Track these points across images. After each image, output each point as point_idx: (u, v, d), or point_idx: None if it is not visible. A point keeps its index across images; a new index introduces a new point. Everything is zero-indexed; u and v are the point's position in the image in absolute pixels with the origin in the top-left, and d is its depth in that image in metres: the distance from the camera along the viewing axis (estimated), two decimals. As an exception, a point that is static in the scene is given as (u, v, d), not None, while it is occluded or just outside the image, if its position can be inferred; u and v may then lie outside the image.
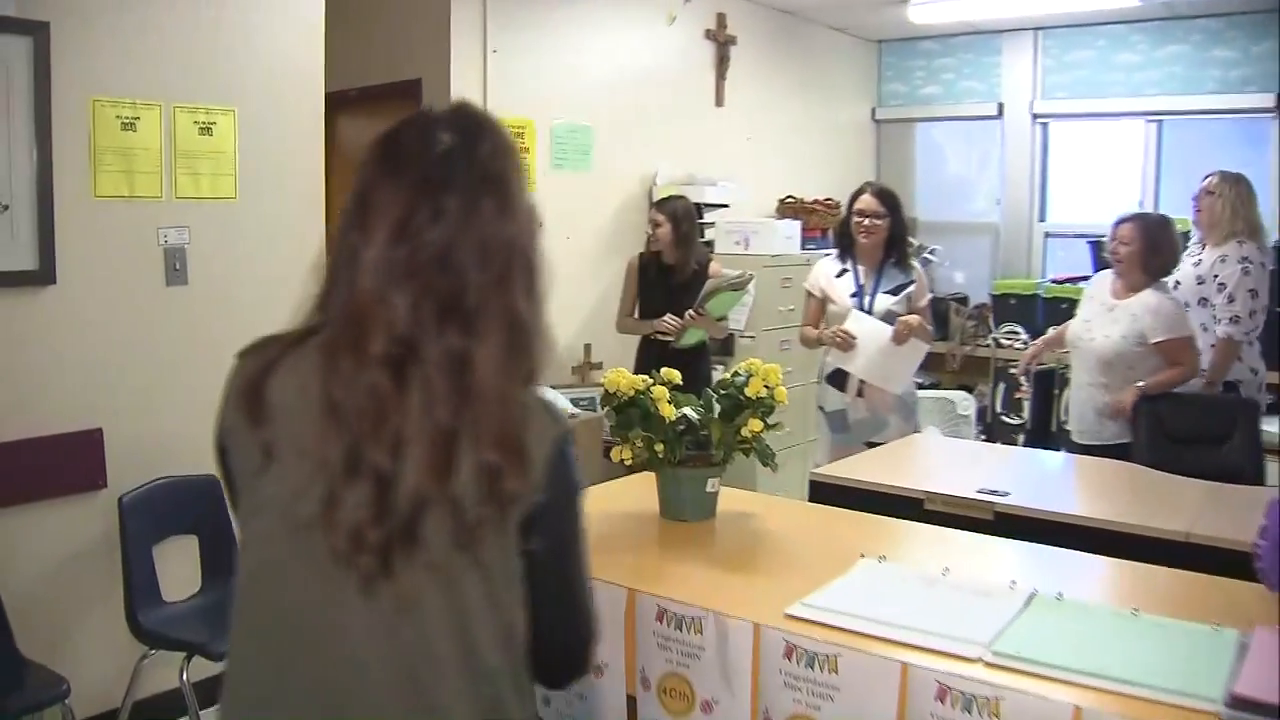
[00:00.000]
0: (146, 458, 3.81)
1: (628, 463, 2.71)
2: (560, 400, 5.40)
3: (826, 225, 7.30)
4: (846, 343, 4.63)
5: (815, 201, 7.29)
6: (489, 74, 5.47)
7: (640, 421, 2.63)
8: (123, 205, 3.75)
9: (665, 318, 5.22)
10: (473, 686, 1.36)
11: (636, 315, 5.50)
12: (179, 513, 3.80)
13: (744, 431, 2.65)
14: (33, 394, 3.59)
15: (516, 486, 1.33)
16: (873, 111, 8.68)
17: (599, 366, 6.13)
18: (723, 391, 2.70)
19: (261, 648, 1.41)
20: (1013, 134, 8.09)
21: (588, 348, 6.11)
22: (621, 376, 2.66)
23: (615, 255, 6.20)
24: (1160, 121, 7.62)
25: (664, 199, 5.52)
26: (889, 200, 4.75)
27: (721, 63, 6.95)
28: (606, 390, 2.68)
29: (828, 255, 4.99)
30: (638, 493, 2.90)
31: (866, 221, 4.67)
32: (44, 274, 3.57)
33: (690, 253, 5.37)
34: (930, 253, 8.00)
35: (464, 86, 5.38)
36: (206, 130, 3.94)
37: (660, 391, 2.63)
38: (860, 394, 4.70)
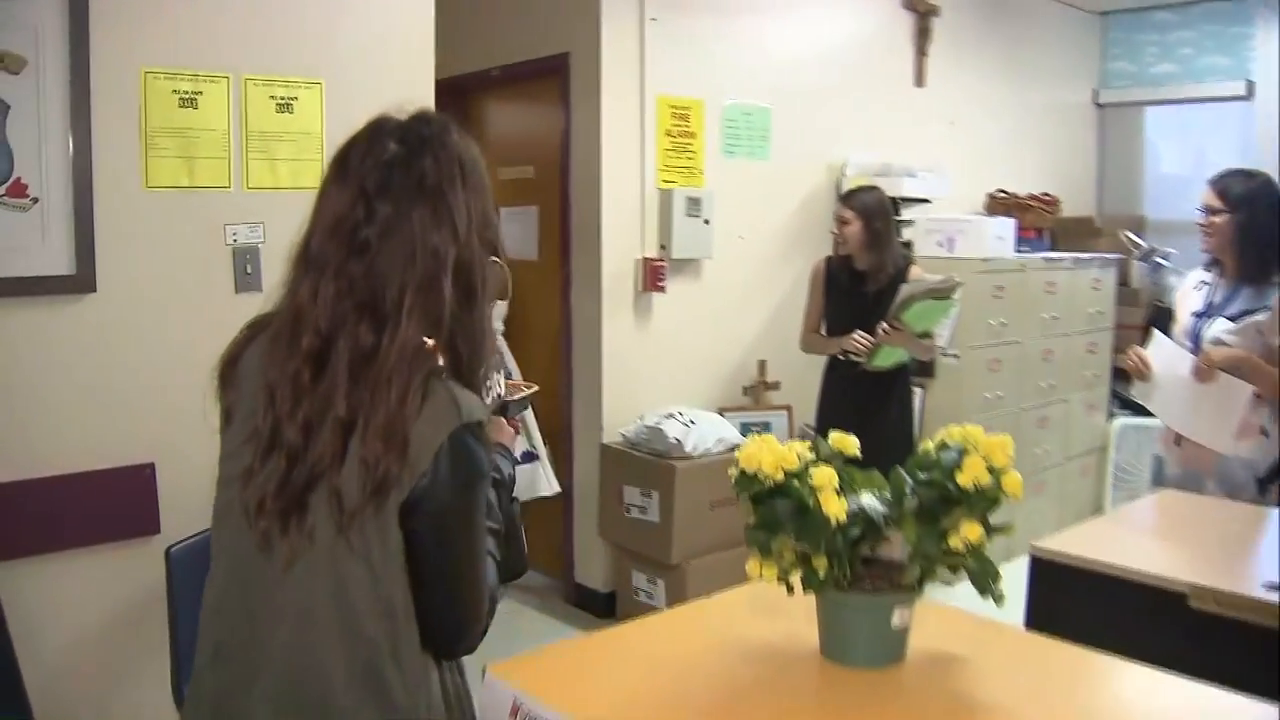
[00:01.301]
0: (208, 499, 3.08)
1: (773, 583, 1.79)
2: (718, 426, 4.51)
3: (1044, 225, 6.20)
4: (1139, 370, 3.55)
5: (1031, 197, 6.17)
6: (647, 46, 4.59)
7: (792, 520, 1.70)
8: (180, 198, 3.03)
9: (854, 334, 4.24)
10: (349, 650, 1.44)
11: (824, 331, 4.53)
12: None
13: (953, 540, 1.69)
14: (71, 422, 2.92)
15: (395, 476, 1.40)
16: (1095, 94, 7.43)
17: (775, 387, 5.18)
18: (923, 477, 1.74)
19: (210, 577, 1.57)
20: (1265, 118, 6.74)
21: (762, 365, 5.17)
22: (764, 450, 1.74)
23: (797, 258, 5.24)
24: None
25: (853, 191, 4.50)
26: (1233, 192, 3.52)
27: (922, 36, 5.89)
28: (743, 471, 1.77)
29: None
30: (784, 611, 1.94)
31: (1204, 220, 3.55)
32: (83, 280, 2.88)
33: (886, 256, 4.33)
34: (1164, 257, 6.74)
35: (618, 61, 4.52)
36: (286, 107, 3.17)
37: (824, 477, 1.69)
38: (1177, 442, 3.56)
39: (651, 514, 4.35)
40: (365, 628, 1.44)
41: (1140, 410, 6.61)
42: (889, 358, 4.25)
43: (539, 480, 4.77)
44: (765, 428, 5.10)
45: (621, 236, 4.61)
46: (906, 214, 5.47)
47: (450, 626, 1.52)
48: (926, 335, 4.28)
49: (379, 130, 1.54)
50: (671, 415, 4.44)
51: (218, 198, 3.08)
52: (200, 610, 1.57)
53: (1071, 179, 7.04)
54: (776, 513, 1.69)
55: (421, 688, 1.49)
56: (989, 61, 6.40)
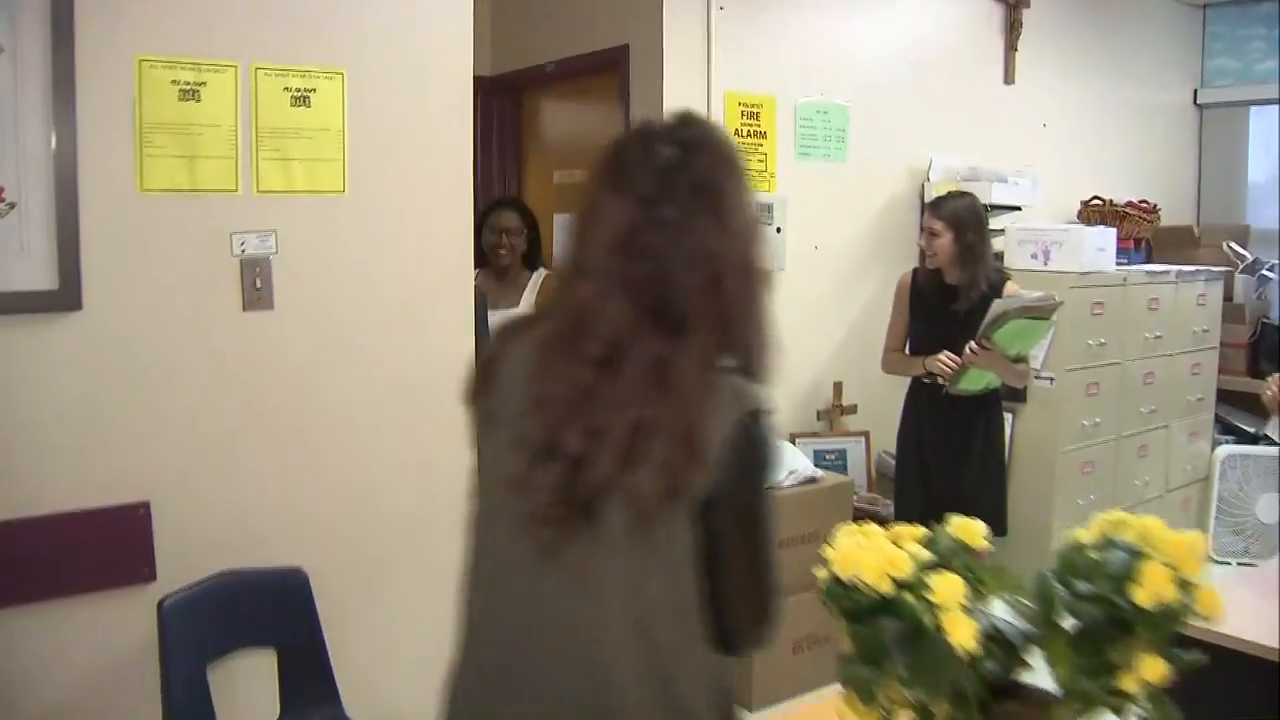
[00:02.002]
0: (210, 542, 2.71)
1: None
2: (789, 456, 4.03)
3: (1143, 234, 5.63)
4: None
5: (1129, 204, 5.61)
6: (714, 38, 4.13)
7: (904, 649, 1.22)
8: (180, 203, 2.62)
9: (940, 355, 3.76)
10: (641, 654, 1.41)
11: (908, 350, 4.06)
12: (251, 619, 2.68)
13: (1125, 680, 1.21)
14: (55, 457, 2.53)
15: (693, 478, 1.37)
16: (1194, 94, 6.83)
17: (852, 410, 4.70)
18: (1082, 588, 1.25)
19: (475, 586, 1.56)
20: (1388, 119, 6.14)
21: (838, 387, 4.68)
22: (865, 550, 1.27)
23: (876, 270, 4.76)
24: None
25: (942, 199, 4.01)
26: None
27: (1012, 29, 5.36)
28: (835, 578, 1.30)
29: None
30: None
31: None
32: (67, 296, 2.48)
33: (978, 270, 3.85)
34: (1269, 269, 6.15)
35: (682, 53, 4.07)
36: (302, 100, 2.76)
37: (949, 591, 1.22)
38: None
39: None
40: (658, 630, 1.42)
41: (1245, 437, 6.05)
42: (977, 381, 3.78)
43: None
44: (840, 456, 4.63)
45: (684, 246, 4.15)
46: (996, 223, 4.96)
47: (745, 621, 1.49)
48: (1021, 359, 3.80)
49: (649, 135, 1.50)
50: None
51: (223, 203, 2.67)
52: (460, 629, 1.57)
53: (1168, 185, 6.45)
54: (883, 639, 1.21)
55: (705, 687, 1.47)
56: (1082, 57, 5.85)
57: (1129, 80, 6.23)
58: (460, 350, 3.07)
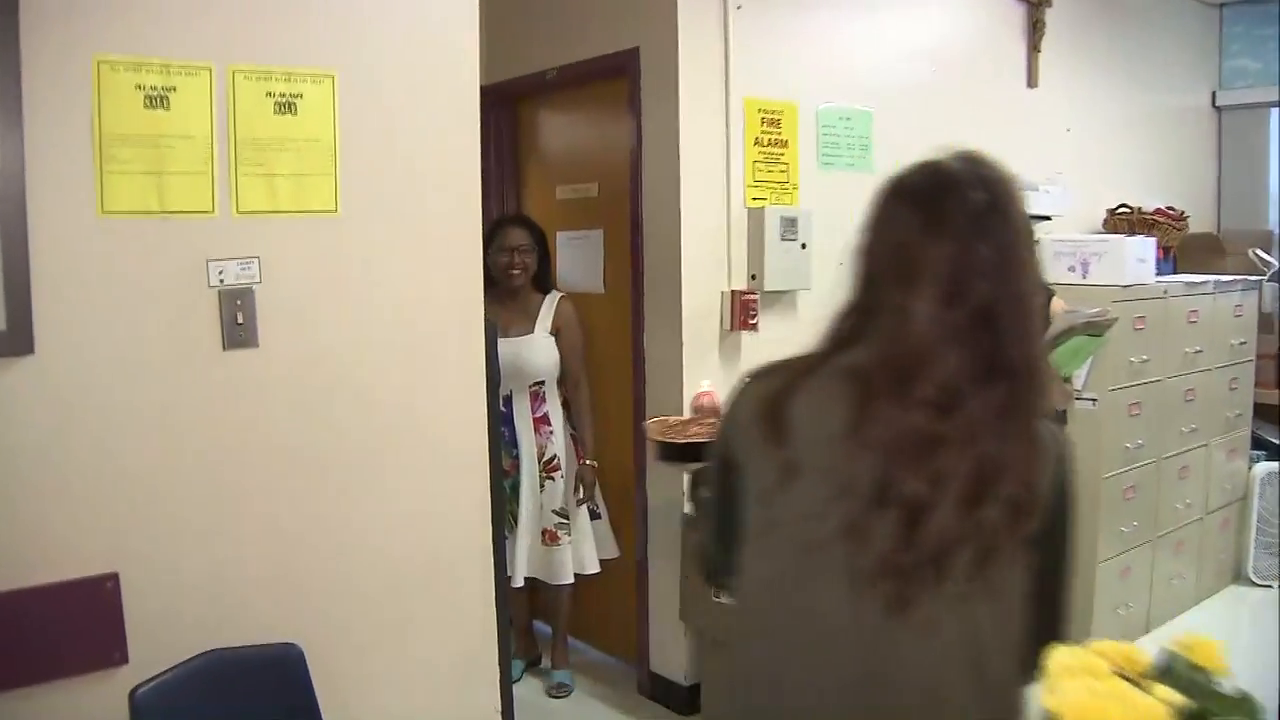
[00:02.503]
0: (189, 618, 2.34)
1: None
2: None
3: (1171, 243, 5.30)
4: None
5: (1158, 212, 5.28)
6: (731, 39, 3.77)
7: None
8: (148, 227, 2.25)
9: None
10: (978, 694, 1.39)
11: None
12: (239, 706, 2.30)
13: None
14: (7, 524, 2.14)
15: (1032, 520, 1.36)
16: (1213, 96, 6.52)
17: (877, 436, 4.33)
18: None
19: (773, 649, 1.45)
20: None
21: (862, 411, 4.33)
22: (1103, 704, 0.91)
23: (899, 285, 4.41)
24: None
25: None
26: None
27: (1035, 29, 5.01)
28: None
29: None
30: None
31: None
32: (16, 338, 2.11)
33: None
34: (1294, 276, 5.85)
35: (698, 56, 3.70)
36: (288, 107, 2.38)
37: None
38: None
39: (746, 600, 3.52)
40: (991, 669, 1.41)
41: (1274, 451, 5.72)
42: None
43: (608, 540, 4.02)
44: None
45: (705, 265, 3.79)
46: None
47: (1043, 655, 1.36)
48: (1068, 379, 3.48)
49: (955, 181, 1.45)
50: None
51: (197, 226, 2.29)
52: (744, 681, 1.52)
53: (1188, 191, 6.11)
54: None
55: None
56: (1104, 59, 5.51)
57: (1147, 82, 5.91)
58: (474, 389, 2.70)
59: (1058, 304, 3.68)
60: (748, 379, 1.54)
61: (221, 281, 2.32)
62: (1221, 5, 6.42)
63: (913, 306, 1.37)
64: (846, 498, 1.36)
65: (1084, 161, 5.28)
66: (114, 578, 2.25)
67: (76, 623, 2.23)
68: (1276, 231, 6.22)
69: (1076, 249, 4.35)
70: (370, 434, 2.57)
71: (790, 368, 1.49)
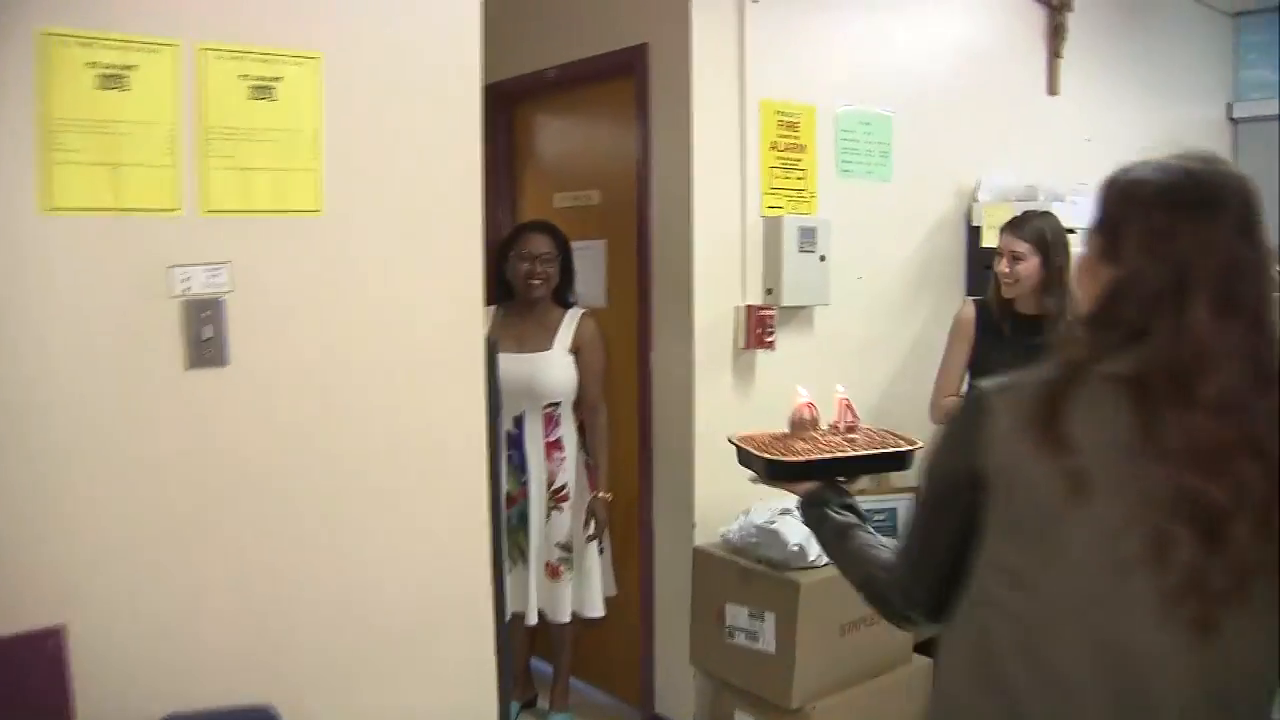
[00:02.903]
0: (146, 677, 2.04)
1: None
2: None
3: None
4: None
5: (1181, 225, 5.01)
6: (747, 37, 3.48)
7: None
8: (100, 226, 1.94)
9: None
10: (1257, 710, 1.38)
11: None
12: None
13: None
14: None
15: None
16: (1229, 108, 6.28)
17: (898, 462, 4.04)
18: None
19: (1066, 681, 1.35)
20: None
21: (883, 435, 4.03)
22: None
23: (925, 303, 4.14)
24: None
25: (1022, 218, 3.47)
26: None
27: (1055, 35, 4.75)
28: None
29: None
30: None
31: None
32: (-57, 355, 1.79)
33: (1066, 299, 3.32)
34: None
35: (711, 54, 3.42)
36: (265, 92, 2.08)
37: None
38: None
39: (764, 642, 3.20)
40: (1273, 689, 1.38)
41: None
42: None
43: (607, 577, 3.70)
44: (890, 516, 3.96)
45: (717, 278, 3.49)
46: (1051, 247, 4.36)
47: None
48: None
49: (1216, 182, 1.37)
50: (788, 510, 3.29)
51: (159, 226, 1.98)
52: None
53: (1203, 205, 5.87)
54: None
55: None
56: (1123, 68, 5.25)
57: (1163, 93, 5.66)
58: (474, 413, 2.39)
59: None
60: (986, 391, 1.43)
61: (186, 290, 2.01)
62: (1237, 14, 6.18)
63: (1189, 314, 1.32)
64: (1146, 511, 1.29)
65: (1102, 172, 5.00)
66: (59, 631, 1.93)
67: (15, 684, 1.92)
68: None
69: (1109, 263, 4.07)
70: (356, 464, 2.26)
71: (1042, 378, 1.40)
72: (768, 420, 3.60)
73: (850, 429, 1.93)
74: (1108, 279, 1.39)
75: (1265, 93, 6.21)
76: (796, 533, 3.19)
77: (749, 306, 3.53)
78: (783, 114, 3.58)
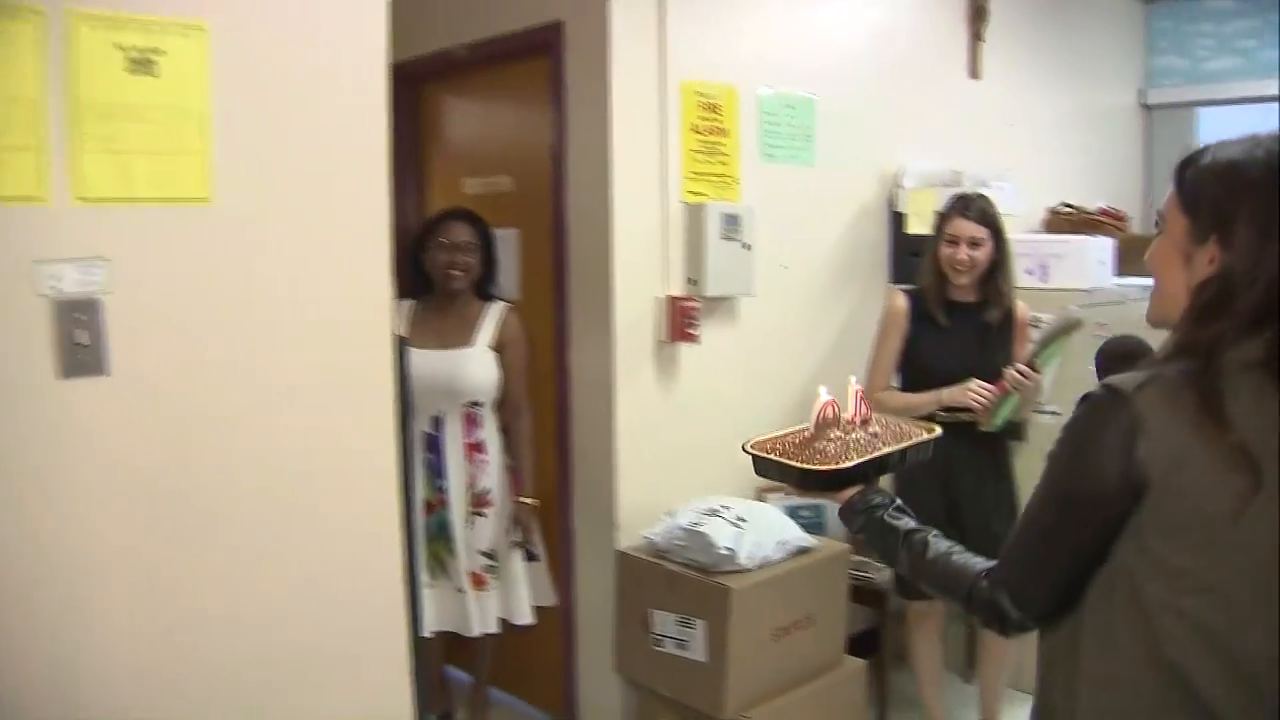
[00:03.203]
0: (42, 697, 1.81)
1: None
2: (775, 523, 3.29)
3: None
4: None
5: (1101, 212, 5.01)
6: (668, 15, 3.33)
7: None
8: (-46, 217, 1.72)
9: (971, 385, 3.11)
10: None
11: (897, 385, 3.39)
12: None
13: None
14: None
15: None
16: (1141, 94, 6.31)
17: (825, 457, 3.94)
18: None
19: (1256, 680, 1.32)
20: (1345, 118, 5.68)
21: (808, 430, 3.93)
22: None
23: (849, 292, 4.06)
24: None
25: (966, 201, 3.38)
26: None
27: (977, 17, 4.66)
28: None
29: None
30: None
31: None
32: None
33: (1009, 281, 3.38)
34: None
35: (630, 33, 3.26)
36: (145, 65, 1.87)
37: None
38: None
39: (694, 650, 3.07)
40: None
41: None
42: (1009, 412, 3.19)
43: (545, 586, 3.54)
44: (816, 513, 3.85)
45: (638, 268, 3.33)
46: (974, 234, 4.30)
47: None
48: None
49: None
50: (715, 511, 3.17)
51: (23, 217, 1.77)
52: None
53: (1119, 191, 5.87)
54: None
55: None
56: (1042, 52, 5.21)
57: (1080, 79, 5.64)
58: (383, 417, 2.20)
59: (1023, 308, 3.38)
60: (1121, 390, 1.35)
61: (56, 289, 1.79)
62: (1150, 1, 6.21)
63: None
64: None
65: (1026, 159, 4.97)
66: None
67: None
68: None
69: (1034, 249, 4.03)
70: (256, 478, 2.06)
71: (1182, 371, 1.35)
72: (691, 418, 3.49)
73: (865, 422, 1.83)
74: (1216, 266, 1.36)
75: (1175, 80, 6.25)
76: (725, 535, 3.06)
77: (671, 298, 3.39)
78: (704, 96, 3.44)
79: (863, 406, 1.85)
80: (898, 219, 4.19)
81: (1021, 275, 3.96)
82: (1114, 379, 1.37)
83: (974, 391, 3.14)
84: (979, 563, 1.55)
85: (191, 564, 2.00)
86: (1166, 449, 1.31)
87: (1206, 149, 1.45)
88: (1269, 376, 1.31)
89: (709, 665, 3.04)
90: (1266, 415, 1.30)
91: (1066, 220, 4.95)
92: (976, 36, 4.67)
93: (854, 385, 1.89)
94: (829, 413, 1.81)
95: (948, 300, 3.35)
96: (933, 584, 1.61)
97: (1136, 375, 1.36)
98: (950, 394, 3.19)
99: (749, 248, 3.50)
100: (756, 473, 1.88)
